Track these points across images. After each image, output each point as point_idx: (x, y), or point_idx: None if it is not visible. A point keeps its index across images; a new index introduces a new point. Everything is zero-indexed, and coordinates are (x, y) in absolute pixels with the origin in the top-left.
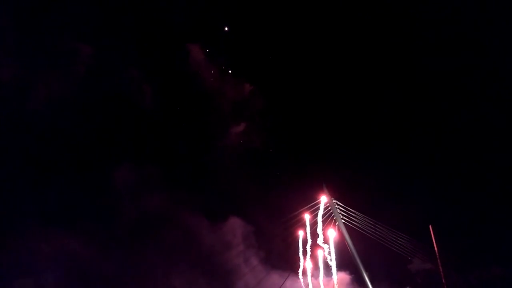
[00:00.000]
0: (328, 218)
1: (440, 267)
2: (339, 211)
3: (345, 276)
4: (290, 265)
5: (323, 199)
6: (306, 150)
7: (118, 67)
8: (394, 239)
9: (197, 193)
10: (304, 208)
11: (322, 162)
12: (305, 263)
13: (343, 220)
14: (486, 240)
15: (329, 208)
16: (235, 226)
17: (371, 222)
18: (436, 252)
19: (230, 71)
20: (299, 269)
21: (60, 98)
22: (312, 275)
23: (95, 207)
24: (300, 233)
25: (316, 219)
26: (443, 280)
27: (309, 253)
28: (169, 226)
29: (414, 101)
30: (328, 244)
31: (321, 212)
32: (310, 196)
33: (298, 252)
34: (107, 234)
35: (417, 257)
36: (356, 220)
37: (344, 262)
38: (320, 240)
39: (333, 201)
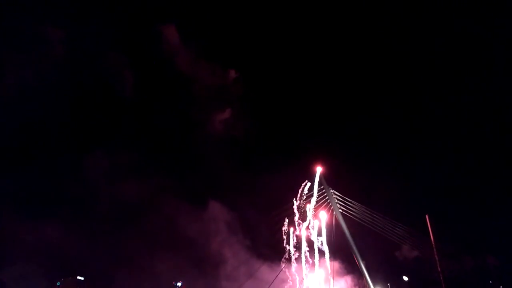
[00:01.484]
0: (322, 204)
1: (436, 255)
2: (336, 200)
3: (340, 265)
4: (275, 250)
5: (319, 170)
6: (295, 136)
7: (92, 52)
8: (390, 228)
9: (178, 180)
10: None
11: (314, 147)
12: (295, 248)
13: (340, 210)
14: (481, 230)
15: (324, 193)
16: (218, 212)
17: (368, 212)
18: (432, 241)
19: (213, 57)
20: (286, 254)
21: (29, 84)
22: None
23: (71, 194)
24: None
25: (305, 204)
26: (439, 269)
27: (304, 237)
28: (149, 212)
29: (411, 88)
30: (320, 226)
31: (316, 183)
32: (299, 180)
33: (286, 237)
34: (86, 222)
35: (413, 246)
36: (353, 209)
37: (340, 251)
38: (310, 222)
39: (331, 190)
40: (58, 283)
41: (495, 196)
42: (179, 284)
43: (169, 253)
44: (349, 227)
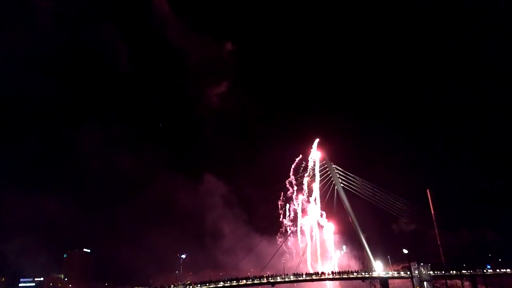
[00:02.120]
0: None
1: (436, 229)
2: (338, 175)
3: (340, 238)
4: (272, 223)
5: (316, 141)
6: (293, 109)
7: (84, 22)
8: (391, 203)
9: (175, 153)
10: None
11: (313, 120)
12: (292, 222)
13: (342, 185)
14: (481, 205)
15: (325, 165)
16: (215, 186)
17: (368, 186)
18: (433, 215)
19: (207, 29)
20: (283, 228)
21: (22, 56)
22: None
23: (67, 168)
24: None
25: (302, 177)
26: (439, 242)
27: (299, 209)
28: (146, 186)
29: (414, 59)
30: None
31: (314, 154)
32: (297, 153)
33: (283, 211)
34: (83, 195)
35: (413, 219)
36: (354, 183)
37: (340, 224)
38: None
39: (332, 165)
40: (64, 255)
41: (498, 173)
42: (183, 256)
43: (169, 227)
44: (350, 201)
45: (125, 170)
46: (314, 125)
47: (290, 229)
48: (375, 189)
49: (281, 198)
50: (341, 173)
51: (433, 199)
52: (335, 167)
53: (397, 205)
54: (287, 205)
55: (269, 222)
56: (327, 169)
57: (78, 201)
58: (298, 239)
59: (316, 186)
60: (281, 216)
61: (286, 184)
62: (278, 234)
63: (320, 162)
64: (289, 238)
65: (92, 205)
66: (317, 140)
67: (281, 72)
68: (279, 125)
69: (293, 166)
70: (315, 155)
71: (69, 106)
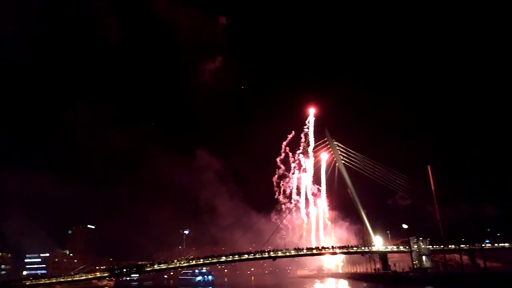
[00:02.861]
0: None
1: (436, 205)
2: (339, 152)
3: (339, 213)
4: (268, 200)
5: (311, 112)
6: (289, 84)
7: None
8: (392, 179)
9: (168, 130)
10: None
11: (310, 94)
12: (288, 198)
13: (343, 161)
14: (480, 180)
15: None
16: (208, 163)
17: (369, 161)
18: (433, 191)
19: (200, 3)
20: (278, 205)
21: (8, 32)
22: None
23: (60, 146)
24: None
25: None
26: (438, 217)
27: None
28: (140, 162)
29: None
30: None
31: (311, 122)
32: (293, 129)
33: (278, 188)
34: (75, 172)
35: (413, 195)
36: (354, 159)
37: (339, 199)
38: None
39: (334, 142)
40: (69, 232)
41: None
42: (186, 232)
43: (167, 204)
44: (350, 176)
45: (118, 147)
46: (311, 99)
47: (285, 207)
48: (375, 166)
49: (277, 174)
50: (341, 149)
51: (434, 175)
52: (337, 144)
53: (397, 181)
54: (282, 182)
55: (267, 200)
56: (327, 144)
57: (73, 179)
58: (301, 213)
59: (310, 159)
60: (277, 194)
61: (280, 162)
62: (274, 211)
63: (318, 134)
64: (289, 214)
65: (87, 184)
66: (312, 110)
67: (276, 47)
68: (274, 101)
69: (284, 143)
70: (311, 123)
71: (60, 83)
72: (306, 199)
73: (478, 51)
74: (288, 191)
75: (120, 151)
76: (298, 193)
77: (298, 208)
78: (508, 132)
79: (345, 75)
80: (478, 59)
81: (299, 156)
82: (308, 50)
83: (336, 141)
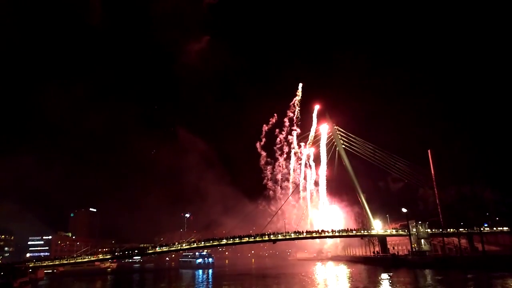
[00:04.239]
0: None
1: (435, 189)
2: (340, 136)
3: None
4: (258, 184)
5: (300, 85)
6: (276, 63)
7: None
8: (392, 163)
9: (151, 110)
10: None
11: (298, 74)
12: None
13: (343, 146)
14: (480, 165)
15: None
16: (192, 144)
17: (368, 145)
18: (433, 175)
19: None
20: (267, 191)
21: None
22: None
23: (37, 127)
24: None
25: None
26: (437, 201)
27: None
28: (123, 144)
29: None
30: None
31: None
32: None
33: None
34: (54, 154)
35: (412, 179)
36: (354, 143)
37: (338, 183)
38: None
39: (335, 127)
40: (71, 214)
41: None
42: (187, 215)
43: (159, 188)
44: (350, 160)
45: (99, 128)
46: (299, 79)
47: (278, 192)
48: (376, 150)
49: (263, 157)
50: (341, 133)
51: (434, 159)
52: (337, 128)
53: (397, 165)
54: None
55: (253, 183)
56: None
57: (54, 162)
58: (301, 197)
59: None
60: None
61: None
62: (276, 194)
63: (320, 122)
64: (290, 196)
65: (68, 165)
66: (300, 85)
67: (263, 26)
68: (262, 82)
69: (266, 128)
70: (298, 99)
71: (36, 61)
72: (305, 180)
73: (481, 25)
74: (282, 175)
75: (100, 132)
76: (300, 178)
77: (298, 192)
78: (507, 119)
79: (339, 52)
80: (481, 35)
81: (299, 139)
82: (298, 29)
83: (336, 126)
